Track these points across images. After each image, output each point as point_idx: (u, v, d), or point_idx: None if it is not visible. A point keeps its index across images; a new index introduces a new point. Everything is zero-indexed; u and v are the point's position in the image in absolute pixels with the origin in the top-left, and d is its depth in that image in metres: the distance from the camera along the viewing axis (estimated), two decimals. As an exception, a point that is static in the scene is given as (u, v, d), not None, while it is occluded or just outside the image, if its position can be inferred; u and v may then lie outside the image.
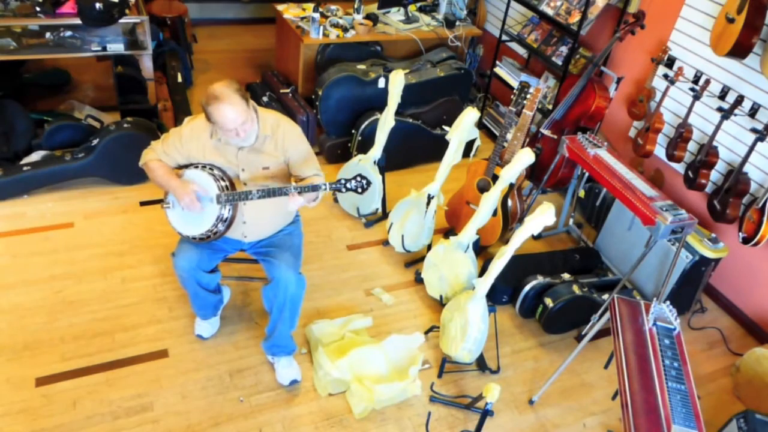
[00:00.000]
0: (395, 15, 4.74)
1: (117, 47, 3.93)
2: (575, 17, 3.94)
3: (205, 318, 2.85)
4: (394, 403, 2.68)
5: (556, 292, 3.09)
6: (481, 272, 3.00)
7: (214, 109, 2.20)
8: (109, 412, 2.48)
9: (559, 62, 4.13)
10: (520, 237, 2.55)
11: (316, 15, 4.20)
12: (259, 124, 2.38)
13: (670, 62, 3.50)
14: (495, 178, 3.35)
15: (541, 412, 2.78)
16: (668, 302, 2.33)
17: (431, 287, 3.21)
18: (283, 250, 2.56)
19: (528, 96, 3.33)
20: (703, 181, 3.31)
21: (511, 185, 3.37)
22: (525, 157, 2.88)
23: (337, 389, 2.70)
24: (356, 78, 4.07)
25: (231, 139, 2.32)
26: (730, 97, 3.14)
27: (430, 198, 3.24)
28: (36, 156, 3.60)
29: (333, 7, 4.63)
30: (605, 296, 3.16)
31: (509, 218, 3.54)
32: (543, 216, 2.47)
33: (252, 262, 2.89)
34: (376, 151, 3.51)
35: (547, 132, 3.87)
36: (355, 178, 2.29)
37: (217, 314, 2.89)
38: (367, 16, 4.51)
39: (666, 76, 3.43)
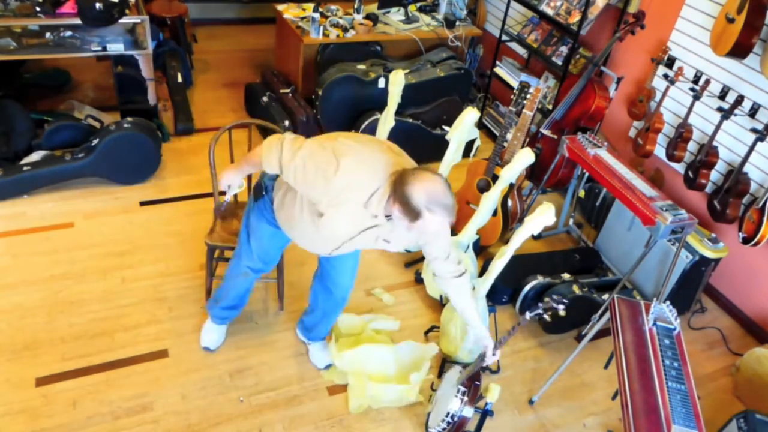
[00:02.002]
0: (395, 15, 4.73)
1: (117, 47, 3.93)
2: (575, 17, 3.94)
3: (222, 321, 2.80)
4: (392, 406, 2.67)
5: (556, 292, 3.08)
6: (481, 272, 3.00)
7: (437, 221, 1.77)
8: (109, 412, 2.48)
9: (559, 62, 4.13)
10: (520, 237, 2.55)
11: (316, 15, 4.20)
12: None
13: (670, 62, 3.50)
14: (495, 178, 3.35)
15: (541, 412, 2.78)
16: (668, 302, 2.33)
17: (431, 287, 3.21)
18: (351, 258, 2.44)
19: (528, 96, 3.33)
20: (703, 181, 3.31)
21: (511, 185, 3.37)
22: (525, 157, 2.88)
23: (341, 380, 2.73)
24: (356, 78, 4.07)
25: (403, 230, 1.88)
26: (730, 97, 3.14)
27: (430, 198, 3.24)
28: (36, 156, 3.60)
29: (333, 7, 4.63)
30: (605, 296, 3.16)
31: (509, 218, 3.53)
32: (543, 216, 2.48)
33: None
34: (376, 151, 3.51)
35: (547, 132, 3.87)
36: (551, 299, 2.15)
37: (228, 322, 2.85)
38: (367, 16, 4.51)
39: (666, 76, 3.42)
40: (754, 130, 2.96)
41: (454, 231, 3.64)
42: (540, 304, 2.13)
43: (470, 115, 3.10)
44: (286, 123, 4.12)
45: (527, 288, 3.15)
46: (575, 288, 3.11)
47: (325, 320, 2.69)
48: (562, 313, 2.11)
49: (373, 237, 2.05)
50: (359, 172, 1.88)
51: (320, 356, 2.80)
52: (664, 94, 3.44)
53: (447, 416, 2.30)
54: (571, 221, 3.94)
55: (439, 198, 1.75)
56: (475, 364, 2.34)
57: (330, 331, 2.84)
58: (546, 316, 2.13)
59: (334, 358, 2.77)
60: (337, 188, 1.88)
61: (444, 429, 2.33)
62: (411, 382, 2.70)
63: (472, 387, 2.32)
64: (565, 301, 2.09)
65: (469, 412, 2.30)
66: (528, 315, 2.14)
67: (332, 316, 2.69)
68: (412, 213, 1.77)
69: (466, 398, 2.30)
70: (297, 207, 2.10)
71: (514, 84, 4.40)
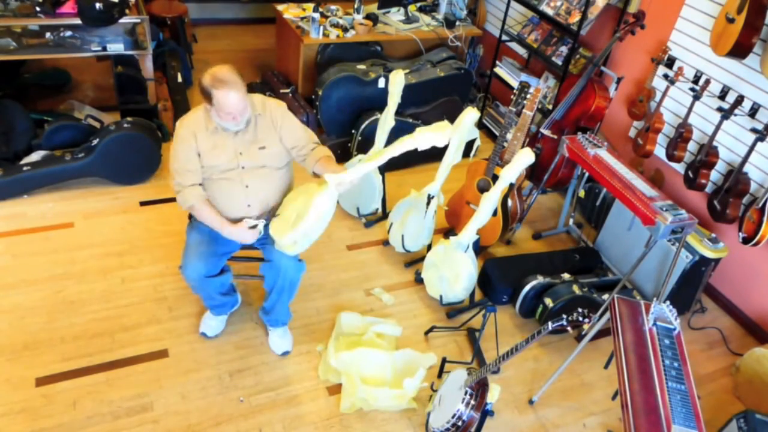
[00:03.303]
0: (395, 15, 4.73)
1: (117, 47, 3.93)
2: (575, 17, 3.94)
3: (218, 313, 2.86)
4: (387, 410, 2.67)
5: (556, 292, 3.09)
6: (480, 274, 2.99)
7: (221, 93, 2.25)
8: (109, 412, 2.48)
9: (559, 62, 4.13)
10: (403, 146, 2.42)
11: (316, 15, 4.20)
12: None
13: (670, 62, 3.50)
14: (495, 178, 3.35)
15: (541, 412, 2.78)
16: (668, 302, 2.33)
17: (431, 287, 3.21)
18: None
19: (528, 96, 3.33)
20: (703, 181, 3.31)
21: (511, 185, 3.37)
22: (525, 157, 2.88)
23: (336, 379, 2.74)
24: (356, 78, 4.07)
25: (226, 122, 2.37)
26: (730, 97, 3.14)
27: (430, 198, 3.24)
28: (36, 156, 3.60)
29: (333, 7, 4.63)
30: (605, 296, 3.16)
31: (509, 218, 3.54)
32: (436, 134, 2.38)
33: (252, 260, 2.90)
34: (376, 151, 3.51)
35: (547, 132, 3.87)
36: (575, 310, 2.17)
37: (228, 313, 2.92)
38: (367, 16, 4.51)
39: (666, 76, 3.42)
40: (754, 130, 2.96)
41: (454, 231, 3.65)
42: (564, 316, 2.09)
43: (470, 115, 3.10)
44: (286, 123, 4.11)
45: (527, 288, 3.14)
46: (575, 288, 3.11)
47: (280, 302, 2.70)
48: (586, 327, 2.10)
49: (235, 153, 2.46)
50: (187, 119, 2.47)
51: (279, 343, 2.84)
52: (664, 94, 3.44)
53: (453, 417, 2.30)
54: (571, 221, 3.94)
55: (220, 76, 2.24)
56: (481, 371, 2.34)
57: (292, 316, 2.86)
58: (569, 329, 2.09)
59: (330, 356, 2.77)
60: (187, 139, 2.43)
61: (448, 430, 2.32)
62: (404, 386, 2.68)
63: (480, 390, 2.32)
64: (592, 315, 2.06)
65: (475, 414, 2.30)
66: (551, 325, 2.10)
67: (285, 296, 2.68)
68: (207, 96, 2.28)
69: (474, 402, 2.30)
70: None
71: (514, 84, 4.40)
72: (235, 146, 2.47)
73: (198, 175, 2.48)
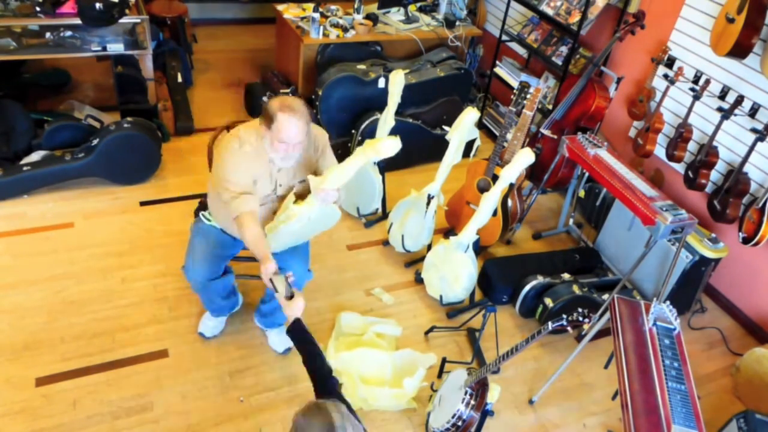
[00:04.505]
0: (395, 15, 4.73)
1: (117, 47, 3.93)
2: (575, 17, 3.94)
3: (217, 315, 2.85)
4: (387, 410, 2.66)
5: (556, 292, 3.09)
6: (480, 274, 2.99)
7: (285, 117, 2.18)
8: (109, 412, 2.48)
9: (559, 62, 4.13)
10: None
11: (316, 15, 4.20)
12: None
13: (670, 62, 3.50)
14: (495, 178, 3.35)
15: (541, 412, 2.78)
16: (668, 302, 2.33)
17: (431, 287, 3.21)
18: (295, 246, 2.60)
19: (528, 96, 3.33)
20: (703, 181, 3.31)
21: (511, 185, 3.36)
22: (525, 157, 2.88)
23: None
24: (356, 78, 4.07)
25: (276, 154, 2.29)
26: (730, 97, 3.14)
27: (430, 198, 3.24)
28: (36, 156, 3.60)
29: (333, 7, 4.62)
30: (605, 296, 3.16)
31: (509, 218, 3.54)
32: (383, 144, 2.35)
33: (254, 261, 2.89)
34: (376, 151, 3.51)
35: (547, 132, 3.87)
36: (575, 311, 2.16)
37: (227, 314, 2.91)
38: (367, 16, 4.51)
39: (666, 76, 3.42)
40: (754, 130, 2.96)
41: (454, 231, 3.65)
42: (564, 316, 2.09)
43: (470, 115, 3.10)
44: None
45: (527, 288, 3.14)
46: (575, 288, 3.11)
47: (279, 307, 2.67)
48: (586, 327, 2.10)
49: (274, 184, 2.42)
50: (244, 135, 2.37)
51: (279, 341, 2.84)
52: (664, 94, 3.44)
53: (453, 417, 2.30)
54: (571, 221, 3.94)
55: (289, 103, 2.22)
56: (481, 371, 2.34)
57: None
58: (569, 329, 2.09)
59: (330, 356, 2.77)
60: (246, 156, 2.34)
61: (448, 430, 2.32)
62: (403, 386, 2.68)
63: (480, 390, 2.32)
64: (592, 315, 2.06)
65: (475, 414, 2.30)
66: (551, 325, 2.10)
67: None
68: (269, 118, 2.22)
69: (474, 402, 2.30)
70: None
71: (514, 84, 4.40)
72: (275, 177, 2.42)
73: (251, 188, 2.36)
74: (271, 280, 2.20)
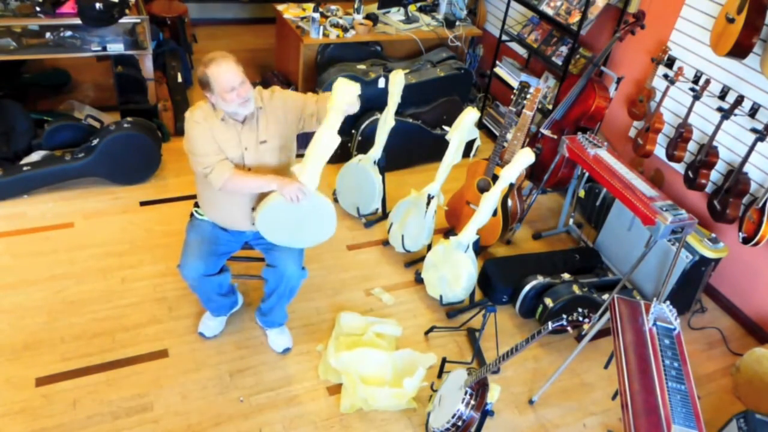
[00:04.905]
0: (395, 15, 4.73)
1: (117, 47, 3.93)
2: (575, 17, 3.94)
3: (217, 314, 2.86)
4: (387, 410, 2.66)
5: (556, 292, 3.09)
6: (480, 274, 2.98)
7: (214, 69, 2.21)
8: (109, 412, 2.48)
9: (559, 62, 4.13)
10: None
11: (316, 15, 4.20)
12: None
13: (670, 62, 3.50)
14: (495, 178, 3.35)
15: (541, 412, 2.78)
16: (668, 302, 2.33)
17: (431, 287, 3.21)
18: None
19: (528, 96, 3.33)
20: (703, 181, 3.31)
21: (511, 185, 3.37)
22: (525, 157, 2.88)
23: (336, 379, 2.74)
24: (356, 78, 4.07)
25: (233, 105, 2.27)
26: (730, 97, 3.14)
27: (430, 198, 3.25)
28: (36, 156, 3.60)
29: (333, 7, 4.63)
30: (605, 296, 3.16)
31: (509, 218, 3.54)
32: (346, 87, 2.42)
33: (253, 260, 2.90)
34: (376, 151, 3.51)
35: (547, 132, 3.87)
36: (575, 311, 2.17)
37: (227, 314, 2.91)
38: (367, 16, 4.51)
39: (666, 76, 3.42)
40: (754, 130, 2.96)
41: (454, 231, 3.65)
42: (564, 316, 2.09)
43: (470, 115, 3.10)
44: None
45: (527, 288, 3.14)
46: (575, 288, 3.11)
47: (278, 306, 2.73)
48: (586, 327, 2.09)
49: (240, 147, 2.40)
50: (195, 108, 2.39)
51: (278, 341, 2.85)
52: (664, 94, 3.44)
53: (453, 417, 2.30)
54: (571, 221, 3.94)
55: (209, 58, 2.22)
56: (481, 371, 2.34)
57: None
58: (569, 329, 2.09)
59: (330, 356, 2.77)
60: (204, 126, 2.35)
61: (448, 430, 2.32)
62: (403, 386, 2.68)
63: (480, 390, 2.32)
64: (592, 315, 2.06)
65: (475, 414, 2.29)
66: (551, 325, 2.10)
67: (284, 300, 2.70)
68: (204, 83, 2.24)
69: (474, 402, 2.30)
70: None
71: (514, 84, 4.40)
72: (239, 140, 2.40)
73: (222, 153, 2.38)
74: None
